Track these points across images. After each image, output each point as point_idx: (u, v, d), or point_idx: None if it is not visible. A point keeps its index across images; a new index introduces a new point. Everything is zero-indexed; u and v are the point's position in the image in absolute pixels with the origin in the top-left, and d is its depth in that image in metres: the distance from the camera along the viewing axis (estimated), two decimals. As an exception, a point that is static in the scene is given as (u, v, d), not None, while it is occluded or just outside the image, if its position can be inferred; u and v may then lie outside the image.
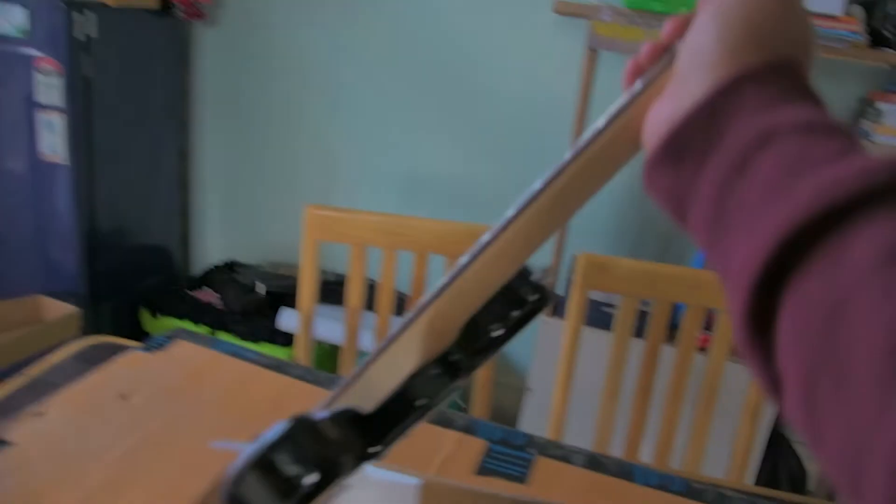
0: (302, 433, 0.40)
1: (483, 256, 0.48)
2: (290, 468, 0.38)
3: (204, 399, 1.01)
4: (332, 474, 0.39)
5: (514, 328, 0.53)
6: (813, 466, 2.36)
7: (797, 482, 2.21)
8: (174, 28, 2.44)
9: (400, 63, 2.39)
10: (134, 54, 2.29)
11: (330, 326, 2.04)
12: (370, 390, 0.48)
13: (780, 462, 2.20)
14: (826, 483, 2.37)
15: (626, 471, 0.96)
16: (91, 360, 1.12)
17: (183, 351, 1.13)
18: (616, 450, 1.37)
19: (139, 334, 2.40)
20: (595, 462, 0.97)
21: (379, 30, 2.38)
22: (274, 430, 0.39)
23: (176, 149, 2.60)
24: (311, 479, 0.38)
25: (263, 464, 0.39)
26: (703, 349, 1.56)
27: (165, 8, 2.31)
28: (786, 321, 0.30)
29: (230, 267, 2.66)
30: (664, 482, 0.96)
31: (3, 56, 2.05)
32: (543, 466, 0.93)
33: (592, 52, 1.95)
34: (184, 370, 1.08)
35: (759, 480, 2.15)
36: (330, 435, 0.42)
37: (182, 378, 1.05)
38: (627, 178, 2.17)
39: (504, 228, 0.47)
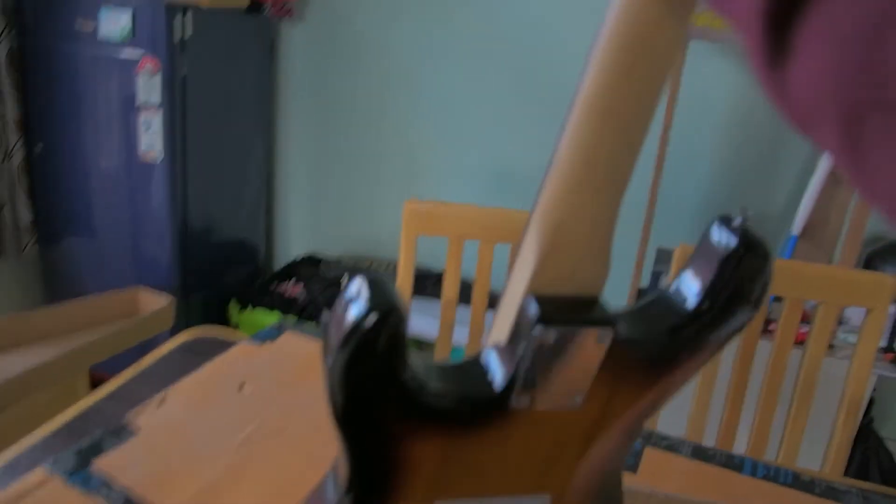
0: (373, 284, 0.41)
1: (572, 119, 0.40)
2: (355, 309, 0.40)
3: (317, 390, 1.04)
4: (389, 319, 0.40)
5: (716, 294, 0.44)
6: (905, 462, 2.30)
7: (888, 478, 2.16)
8: (263, 26, 2.52)
9: (484, 56, 2.40)
10: (225, 53, 2.36)
11: (419, 320, 2.08)
12: (506, 314, 0.46)
13: (870, 457, 2.15)
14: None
15: (733, 462, 0.96)
16: (198, 351, 1.18)
17: (292, 343, 1.17)
18: (709, 442, 1.36)
19: (227, 326, 2.48)
20: (702, 453, 0.97)
21: (463, 23, 2.40)
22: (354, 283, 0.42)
23: (263, 145, 2.67)
24: (371, 319, 0.39)
25: (337, 310, 0.41)
26: (798, 343, 1.54)
27: (255, 6, 2.38)
28: (811, 47, 0.25)
29: (312, 260, 2.72)
30: (771, 474, 0.96)
31: (109, 59, 2.14)
32: (651, 456, 0.94)
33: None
34: (295, 361, 1.12)
35: (848, 474, 2.11)
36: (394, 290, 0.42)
37: (293, 369, 1.09)
38: (716, 167, 2.15)
39: (584, 74, 0.40)
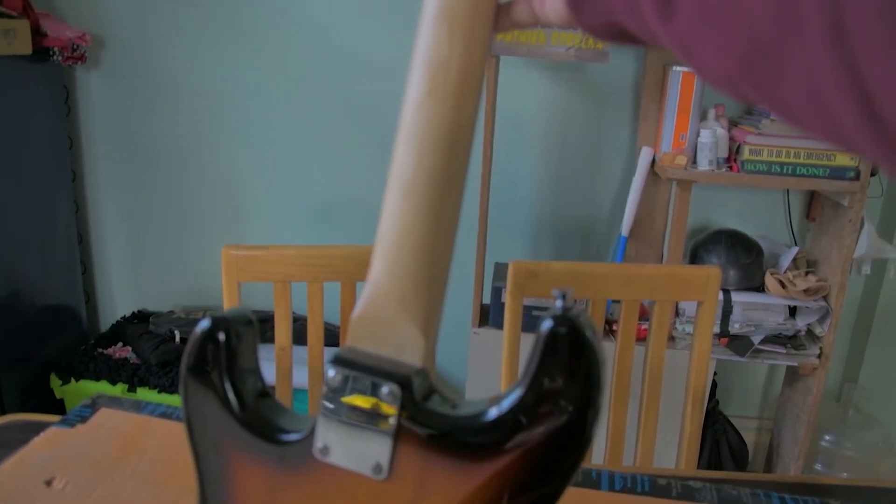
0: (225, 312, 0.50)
1: (386, 195, 0.46)
2: None
3: (140, 472, 0.93)
4: (215, 326, 0.48)
5: (534, 382, 0.42)
6: (751, 437, 2.42)
7: (738, 454, 2.26)
8: (53, 73, 2.30)
9: (297, 90, 2.33)
10: (11, 105, 2.14)
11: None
12: None
13: (720, 438, 2.24)
14: (763, 451, 2.43)
15: (591, 479, 0.94)
16: (3, 442, 1.03)
17: (107, 420, 1.05)
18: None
19: (51, 403, 2.26)
20: (559, 475, 0.94)
21: (275, 57, 2.32)
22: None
23: (68, 201, 2.45)
24: (201, 326, 0.48)
25: None
26: (640, 339, 1.56)
27: (41, 53, 2.18)
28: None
29: (140, 317, 2.53)
30: (629, 484, 0.94)
31: None
32: (509, 489, 0.90)
33: (493, 59, 1.94)
34: (112, 442, 0.99)
35: (702, 459, 2.19)
36: None
37: (111, 452, 0.97)
38: (540, 179, 2.17)
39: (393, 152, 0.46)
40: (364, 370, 0.44)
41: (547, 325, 0.41)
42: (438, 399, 0.45)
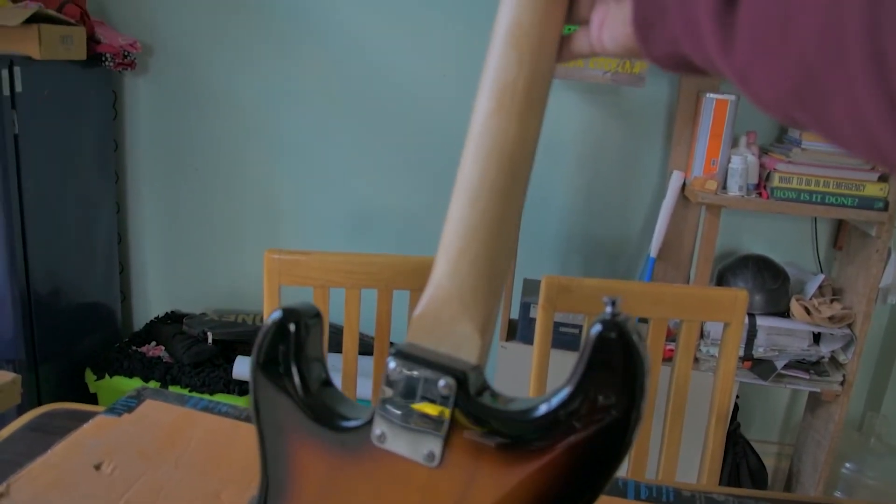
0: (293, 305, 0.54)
1: (454, 199, 0.49)
2: None
3: (184, 460, 0.97)
4: (285, 318, 0.52)
5: (581, 382, 0.45)
6: (771, 462, 2.43)
7: (757, 478, 2.26)
8: (104, 78, 2.39)
9: (337, 102, 2.39)
10: (63, 107, 2.22)
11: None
12: None
13: (740, 460, 2.25)
14: (782, 476, 2.43)
15: (617, 487, 0.97)
16: (47, 429, 1.08)
17: (153, 411, 1.09)
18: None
19: (85, 397, 2.31)
20: (586, 483, 0.97)
21: (314, 69, 2.37)
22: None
23: (111, 202, 2.53)
24: (274, 316, 0.52)
25: None
26: (666, 359, 1.59)
27: (94, 58, 2.26)
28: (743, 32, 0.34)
29: (174, 318, 2.59)
30: (654, 494, 0.97)
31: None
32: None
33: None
34: (157, 432, 1.04)
35: (721, 481, 2.20)
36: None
37: (157, 440, 1.02)
38: (572, 199, 2.21)
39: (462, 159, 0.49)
40: (423, 364, 0.47)
41: (596, 329, 0.44)
42: (490, 395, 0.48)
